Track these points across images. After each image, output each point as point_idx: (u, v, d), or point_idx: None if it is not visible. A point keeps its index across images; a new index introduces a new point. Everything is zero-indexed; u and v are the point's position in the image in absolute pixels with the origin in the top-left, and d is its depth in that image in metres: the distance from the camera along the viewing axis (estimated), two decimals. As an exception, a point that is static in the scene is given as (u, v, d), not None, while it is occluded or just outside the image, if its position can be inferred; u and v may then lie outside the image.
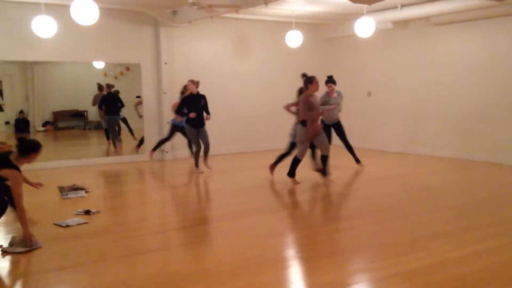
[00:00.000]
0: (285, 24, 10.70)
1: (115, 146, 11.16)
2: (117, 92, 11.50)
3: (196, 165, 8.78)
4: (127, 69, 12.94)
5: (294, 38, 9.92)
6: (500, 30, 9.01)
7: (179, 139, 10.71)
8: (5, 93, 11.95)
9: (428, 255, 4.30)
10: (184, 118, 8.72)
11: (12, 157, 4.74)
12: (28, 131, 12.07)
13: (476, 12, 8.95)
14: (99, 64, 12.17)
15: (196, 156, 8.77)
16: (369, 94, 11.75)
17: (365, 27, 8.33)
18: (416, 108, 10.64)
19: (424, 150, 10.50)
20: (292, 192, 7.12)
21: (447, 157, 9.94)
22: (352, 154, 9.16)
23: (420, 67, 10.49)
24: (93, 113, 14.48)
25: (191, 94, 8.59)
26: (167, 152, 10.54)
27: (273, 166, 8.15)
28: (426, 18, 9.96)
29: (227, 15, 9.90)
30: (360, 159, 9.25)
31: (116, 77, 13.61)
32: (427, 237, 4.85)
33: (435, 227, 5.22)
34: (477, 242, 4.67)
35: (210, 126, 10.51)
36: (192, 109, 8.48)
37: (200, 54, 10.90)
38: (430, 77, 10.32)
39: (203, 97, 8.66)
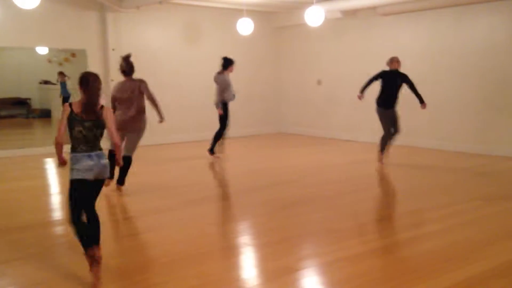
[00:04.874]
0: (236, 12, 10.65)
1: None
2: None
3: (382, 150, 8.07)
4: (73, 55, 12.50)
5: (245, 26, 9.88)
6: (444, 20, 9.35)
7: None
8: None
9: (373, 239, 4.46)
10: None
11: None
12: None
13: (421, 3, 9.24)
14: (42, 50, 11.70)
15: (382, 142, 8.04)
16: (319, 82, 11.92)
17: (314, 16, 8.41)
18: (365, 96, 10.88)
19: (372, 137, 10.79)
20: (241, 181, 7.16)
21: (394, 145, 10.25)
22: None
23: (367, 56, 10.74)
24: (36, 100, 13.95)
25: (391, 70, 7.97)
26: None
27: None
28: (373, 8, 10.18)
29: (177, 1, 9.75)
30: (311, 146, 9.40)
31: (61, 64, 13.14)
32: (372, 222, 5.02)
33: (380, 212, 5.40)
34: (419, 225, 4.87)
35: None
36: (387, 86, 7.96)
37: (149, 41, 10.69)
38: (376, 66, 10.58)
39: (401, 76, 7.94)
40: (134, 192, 6.60)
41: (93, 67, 10.16)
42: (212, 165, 8.37)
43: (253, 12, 11.04)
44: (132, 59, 6.34)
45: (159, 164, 8.46)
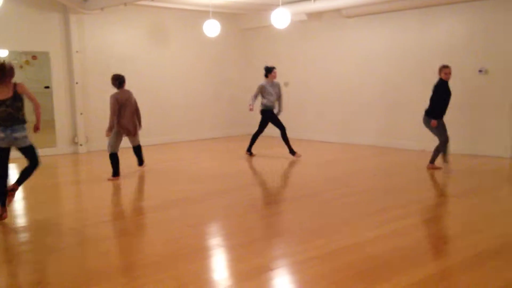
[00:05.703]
0: (202, 13, 10.62)
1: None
2: None
3: (443, 160, 7.43)
4: (34, 57, 12.19)
5: (212, 28, 9.86)
6: (407, 22, 9.58)
7: (95, 129, 10.35)
8: None
9: (346, 236, 4.53)
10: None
11: None
12: None
13: (384, 5, 9.45)
14: (1, 53, 11.36)
15: (437, 150, 7.47)
16: (286, 84, 12.00)
17: (280, 18, 8.47)
18: (330, 97, 11.05)
19: (334, 137, 10.96)
20: (212, 183, 7.15)
21: (360, 144, 10.45)
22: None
23: (333, 58, 10.90)
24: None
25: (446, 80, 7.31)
26: (81, 145, 10.11)
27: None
28: (338, 11, 10.34)
29: (142, 2, 9.64)
30: (279, 148, 9.47)
31: (21, 66, 12.78)
32: (345, 220, 5.09)
33: (350, 210, 5.49)
34: (391, 222, 4.98)
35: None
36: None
37: (114, 43, 10.53)
38: (342, 68, 10.76)
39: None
40: (108, 197, 6.50)
41: (57, 69, 9.95)
42: (181, 168, 8.32)
43: (219, 14, 11.04)
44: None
45: (128, 168, 8.33)
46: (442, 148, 7.41)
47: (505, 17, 8.32)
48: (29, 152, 5.38)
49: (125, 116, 7.35)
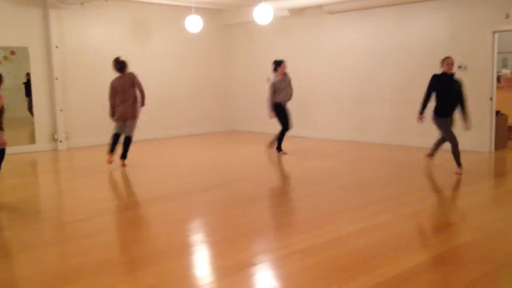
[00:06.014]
0: (184, 9, 10.56)
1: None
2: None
3: (456, 163, 6.92)
4: (12, 53, 12.00)
5: (194, 23, 9.81)
6: (387, 18, 9.67)
7: (75, 125, 10.26)
8: None
9: (327, 231, 4.56)
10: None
11: None
12: None
13: (365, 1, 9.52)
14: (-21, 48, 11.15)
15: (437, 144, 7.37)
16: (268, 80, 11.99)
17: (263, 14, 8.48)
18: (312, 93, 11.09)
19: (317, 133, 11.01)
20: (193, 180, 7.13)
21: (341, 140, 10.52)
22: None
23: (315, 53, 10.93)
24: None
25: (444, 74, 6.83)
26: (61, 141, 9.98)
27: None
28: (319, 7, 10.38)
29: (123, -3, 9.57)
30: (262, 144, 9.48)
31: (0, 62, 12.56)
32: (326, 215, 5.13)
33: (333, 205, 5.53)
34: (372, 216, 5.03)
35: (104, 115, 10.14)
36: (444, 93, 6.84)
37: (94, 38, 10.40)
38: (323, 63, 10.81)
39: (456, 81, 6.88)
40: (90, 193, 6.44)
41: (36, 65, 9.80)
42: (164, 165, 8.28)
43: (201, 9, 10.99)
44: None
45: (113, 165, 8.27)
46: (455, 151, 6.82)
47: (483, 13, 8.44)
48: (1, 157, 5.80)
49: (120, 102, 7.59)
